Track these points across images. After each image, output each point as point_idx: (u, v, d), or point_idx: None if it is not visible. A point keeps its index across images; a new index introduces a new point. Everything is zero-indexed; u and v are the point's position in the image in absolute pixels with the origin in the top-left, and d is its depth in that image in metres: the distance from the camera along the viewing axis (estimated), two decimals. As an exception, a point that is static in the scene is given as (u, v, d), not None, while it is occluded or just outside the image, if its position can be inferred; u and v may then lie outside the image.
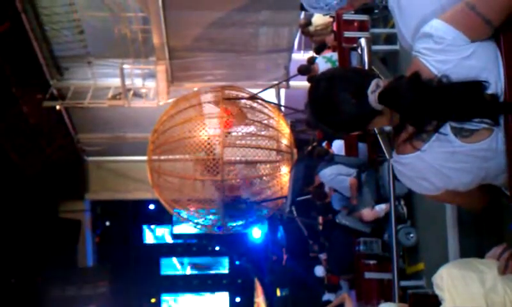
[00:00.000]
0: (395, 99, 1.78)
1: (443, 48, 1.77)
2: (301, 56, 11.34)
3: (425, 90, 1.73)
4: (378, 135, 3.38)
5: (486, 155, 1.81)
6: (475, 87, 1.72)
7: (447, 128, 1.78)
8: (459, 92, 1.71)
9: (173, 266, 21.90)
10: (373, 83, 1.80)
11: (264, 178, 8.86)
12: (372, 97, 1.79)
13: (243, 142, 8.69)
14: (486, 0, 1.76)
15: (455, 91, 1.71)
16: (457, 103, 1.72)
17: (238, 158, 8.59)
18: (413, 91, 1.74)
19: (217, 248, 21.43)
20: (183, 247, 21.58)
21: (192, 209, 9.10)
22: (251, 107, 8.72)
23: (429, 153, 1.81)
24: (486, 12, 1.74)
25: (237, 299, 21.38)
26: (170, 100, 10.68)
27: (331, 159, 7.19)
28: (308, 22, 8.71)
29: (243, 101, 8.66)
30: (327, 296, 9.27)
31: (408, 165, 1.88)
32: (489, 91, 1.74)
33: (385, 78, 1.88)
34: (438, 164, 1.83)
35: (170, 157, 8.63)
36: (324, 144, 8.42)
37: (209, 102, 8.58)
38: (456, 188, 1.89)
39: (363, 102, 1.80)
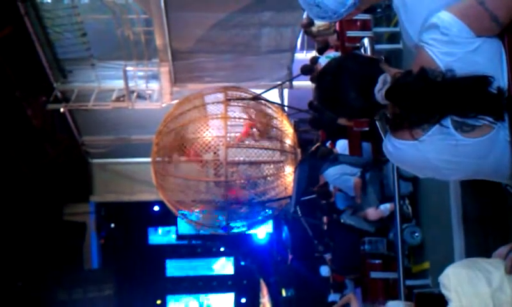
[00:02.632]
0: (402, 97, 1.79)
1: (449, 39, 1.77)
2: (303, 56, 11.34)
3: (432, 88, 1.73)
4: (377, 122, 3.39)
5: (483, 151, 1.81)
6: (480, 82, 1.71)
7: (447, 121, 1.78)
8: (464, 87, 1.71)
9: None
10: (380, 81, 1.81)
11: (268, 178, 8.86)
12: (379, 95, 1.81)
13: (247, 142, 8.70)
14: None
15: (460, 86, 1.71)
16: (462, 98, 1.72)
17: (242, 158, 8.59)
18: (421, 92, 1.75)
19: (222, 249, 21.43)
20: (188, 248, 21.59)
21: (196, 210, 9.10)
22: (256, 109, 8.72)
23: (427, 144, 1.82)
24: (494, 8, 1.74)
25: (243, 300, 21.37)
26: (174, 102, 10.69)
27: (335, 159, 7.17)
28: (311, 22, 8.70)
29: (247, 102, 8.66)
30: (332, 296, 9.25)
31: (402, 150, 1.89)
32: (493, 87, 1.73)
33: (390, 70, 1.88)
34: (433, 156, 1.84)
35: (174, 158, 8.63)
36: (328, 143, 8.41)
37: (213, 103, 8.58)
38: (444, 178, 1.94)
39: (369, 98, 1.83)
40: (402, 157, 1.91)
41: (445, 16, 1.78)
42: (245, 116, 8.52)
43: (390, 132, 1.93)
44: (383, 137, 2.04)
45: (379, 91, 1.80)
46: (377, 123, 3.36)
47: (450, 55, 1.77)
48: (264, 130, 8.49)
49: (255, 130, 8.52)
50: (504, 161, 1.83)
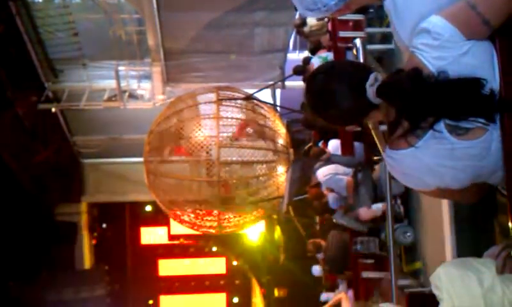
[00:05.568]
0: (393, 93, 1.78)
1: (440, 44, 1.77)
2: (296, 56, 11.34)
3: (424, 86, 1.73)
4: (372, 131, 3.38)
5: (480, 153, 1.81)
6: (473, 84, 1.72)
7: (441, 126, 1.77)
8: (457, 89, 1.71)
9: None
10: (372, 77, 1.81)
11: (261, 178, 8.85)
12: (371, 91, 1.80)
13: (239, 142, 8.68)
14: (487, 1, 1.76)
15: (453, 88, 1.71)
16: (455, 100, 1.72)
17: (234, 158, 8.57)
18: (412, 86, 1.74)
19: (214, 249, 21.42)
20: (180, 248, 21.56)
21: (189, 210, 9.07)
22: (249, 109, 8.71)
23: (423, 150, 1.81)
24: (486, 12, 1.74)
25: (235, 300, 21.38)
26: (166, 101, 10.66)
27: (328, 159, 7.18)
28: (303, 22, 8.70)
29: (239, 101, 8.65)
30: (325, 296, 9.27)
31: (400, 160, 1.87)
32: (485, 89, 1.73)
33: (383, 74, 1.88)
34: (432, 161, 1.82)
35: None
36: (320, 143, 8.42)
37: (205, 103, 8.57)
38: (448, 186, 1.88)
39: (361, 96, 1.81)
40: (404, 166, 1.88)
41: (436, 21, 1.78)
42: (238, 116, 8.51)
43: (388, 145, 1.91)
44: (382, 153, 2.01)
45: (371, 86, 1.79)
46: (373, 133, 3.33)
47: (441, 60, 1.77)
48: (260, 130, 8.46)
49: (250, 129, 8.49)
50: (500, 161, 1.83)
